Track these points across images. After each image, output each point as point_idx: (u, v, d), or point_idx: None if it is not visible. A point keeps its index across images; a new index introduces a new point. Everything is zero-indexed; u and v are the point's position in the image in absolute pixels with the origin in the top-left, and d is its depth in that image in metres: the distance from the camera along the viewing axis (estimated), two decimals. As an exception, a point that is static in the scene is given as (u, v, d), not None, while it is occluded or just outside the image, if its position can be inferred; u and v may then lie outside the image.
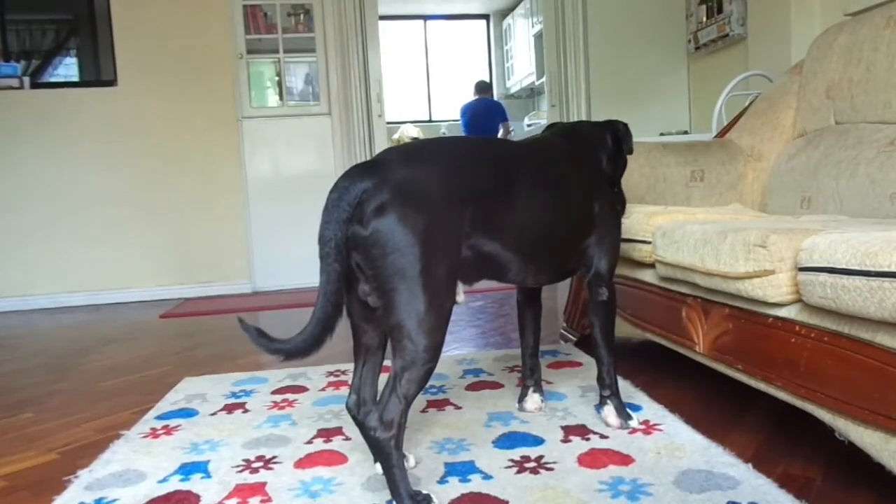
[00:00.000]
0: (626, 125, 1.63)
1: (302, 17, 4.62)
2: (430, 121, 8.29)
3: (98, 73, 4.43)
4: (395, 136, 7.25)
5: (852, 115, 2.01)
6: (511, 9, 7.97)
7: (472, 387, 1.88)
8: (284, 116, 4.60)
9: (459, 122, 7.13)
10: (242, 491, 1.27)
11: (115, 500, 1.27)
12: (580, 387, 1.81)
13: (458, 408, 1.69)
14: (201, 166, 4.48)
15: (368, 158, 1.86)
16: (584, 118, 4.70)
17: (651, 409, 1.60)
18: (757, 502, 1.11)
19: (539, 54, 6.48)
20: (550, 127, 1.69)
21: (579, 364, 2.05)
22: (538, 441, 1.44)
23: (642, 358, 2.12)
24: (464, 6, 8.18)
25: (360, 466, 1.36)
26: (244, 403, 1.85)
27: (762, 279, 1.29)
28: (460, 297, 1.21)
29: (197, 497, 1.26)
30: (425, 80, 8.41)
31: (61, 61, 4.51)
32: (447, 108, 8.21)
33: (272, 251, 4.54)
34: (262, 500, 1.23)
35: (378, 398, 1.17)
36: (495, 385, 1.89)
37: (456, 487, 1.24)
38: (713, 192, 2.34)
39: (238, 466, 1.39)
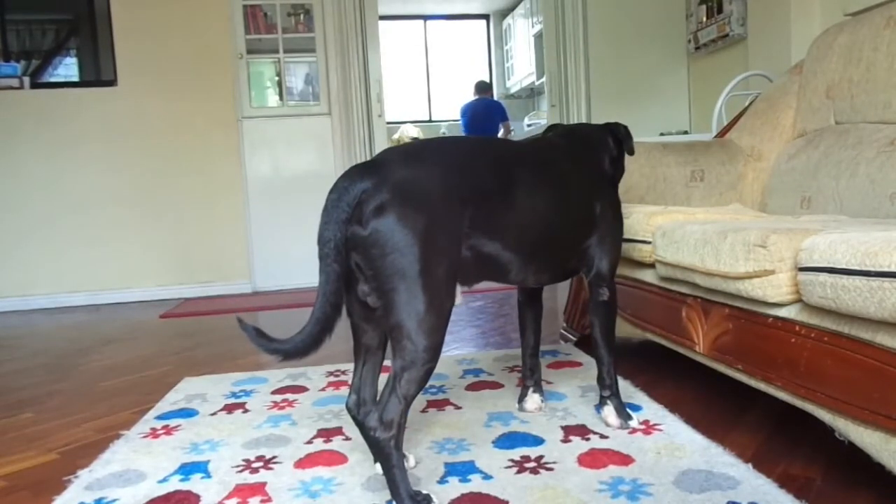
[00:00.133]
0: (626, 127, 1.64)
1: (302, 17, 4.62)
2: (430, 121, 8.29)
3: (98, 73, 4.43)
4: (395, 136, 7.24)
5: (852, 115, 2.01)
6: (511, 9, 7.96)
7: (472, 387, 1.88)
8: (284, 116, 4.60)
9: (459, 123, 7.13)
10: (242, 491, 1.27)
11: (115, 500, 1.27)
12: (580, 387, 1.81)
13: (458, 408, 1.69)
14: (201, 166, 4.48)
15: (368, 158, 1.86)
16: (584, 118, 4.70)
17: (651, 409, 1.60)
18: (757, 502, 1.11)
19: (539, 54, 6.48)
20: (551, 128, 1.69)
21: (579, 364, 2.05)
22: (538, 441, 1.44)
23: (642, 358, 2.12)
24: (464, 6, 8.18)
25: (360, 466, 1.36)
26: (244, 403, 1.85)
27: (762, 279, 1.29)
28: (458, 300, 1.21)
29: (197, 497, 1.26)
30: (425, 80, 8.41)
31: (61, 61, 4.51)
32: (447, 108, 8.21)
33: (272, 251, 4.54)
34: (262, 500, 1.23)
35: (378, 398, 1.17)
36: (495, 385, 1.89)
37: (456, 487, 1.24)
38: (713, 192, 2.34)
39: (238, 466, 1.39)
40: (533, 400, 1.64)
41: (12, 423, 1.85)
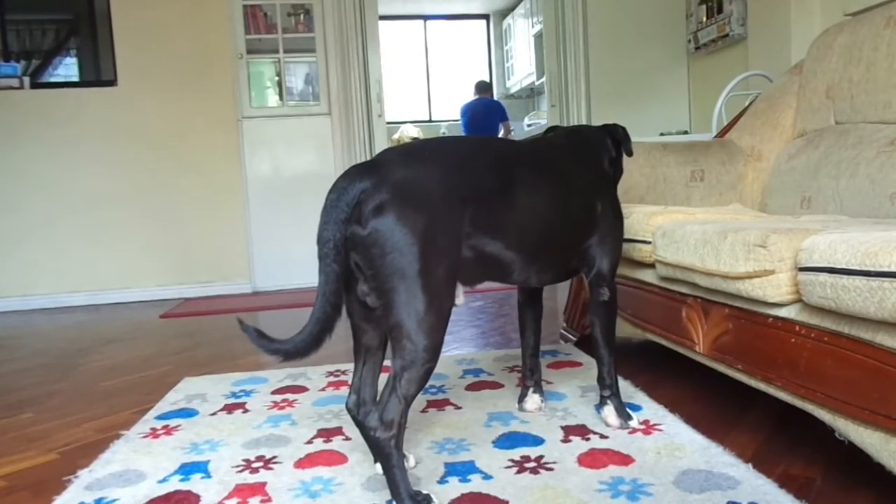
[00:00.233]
0: (624, 128, 1.65)
1: (302, 17, 4.62)
2: (430, 121, 8.29)
3: (98, 73, 4.43)
4: (395, 136, 7.24)
5: (852, 115, 2.01)
6: (511, 9, 7.97)
7: (472, 387, 1.88)
8: (284, 116, 4.60)
9: (459, 122, 7.13)
10: (242, 491, 1.27)
11: (115, 500, 1.27)
12: (580, 387, 1.81)
13: (458, 408, 1.69)
14: (201, 166, 4.48)
15: (368, 158, 1.86)
16: (584, 118, 4.70)
17: (651, 409, 1.60)
18: (757, 502, 1.11)
19: (539, 54, 6.48)
20: (550, 130, 1.69)
21: (579, 364, 2.05)
22: (538, 441, 1.44)
23: (642, 358, 2.12)
24: (464, 6, 8.18)
25: (360, 466, 1.36)
26: (244, 403, 1.85)
27: (762, 279, 1.29)
28: (460, 300, 1.21)
29: (197, 497, 1.26)
30: (425, 80, 8.41)
31: (61, 61, 4.51)
32: (447, 108, 8.21)
33: (272, 251, 4.54)
34: (262, 500, 1.23)
35: (378, 398, 1.17)
36: (495, 385, 1.89)
37: (456, 487, 1.24)
38: (713, 192, 2.34)
39: (238, 466, 1.39)
40: (533, 400, 1.64)
41: (12, 423, 1.85)
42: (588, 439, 1.43)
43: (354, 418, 1.25)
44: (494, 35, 8.43)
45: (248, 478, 1.33)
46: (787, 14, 3.36)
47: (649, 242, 1.77)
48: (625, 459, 1.32)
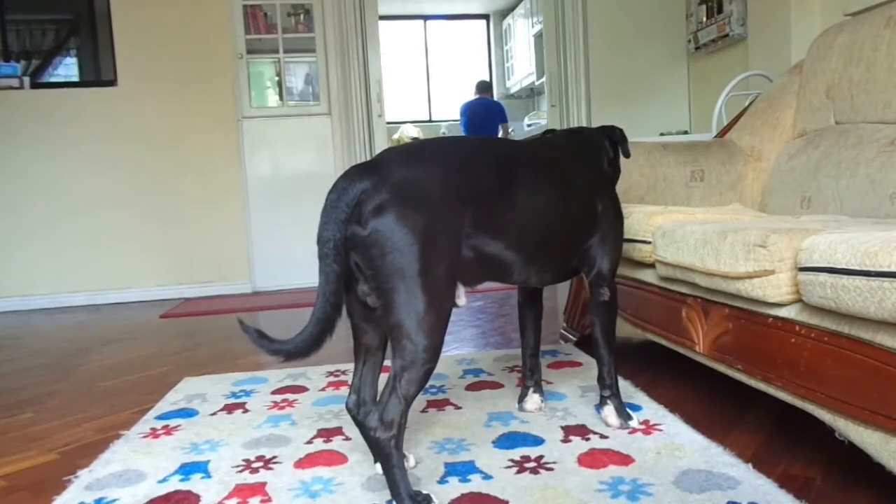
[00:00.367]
0: (621, 130, 1.65)
1: (302, 17, 4.62)
2: (430, 121, 8.29)
3: (98, 73, 4.43)
4: (395, 136, 7.24)
5: (852, 115, 2.01)
6: (511, 9, 7.97)
7: (472, 387, 1.88)
8: (284, 116, 4.60)
9: (459, 122, 7.13)
10: (242, 491, 1.27)
11: (115, 500, 1.27)
12: (580, 387, 1.81)
13: (458, 408, 1.69)
14: (201, 166, 4.48)
15: (368, 158, 1.86)
16: (584, 118, 4.70)
17: (651, 409, 1.60)
18: (757, 502, 1.11)
19: (539, 54, 6.48)
20: (547, 133, 1.69)
21: (579, 364, 2.05)
22: (538, 441, 1.44)
23: (642, 358, 2.12)
24: (464, 6, 8.18)
25: (360, 466, 1.36)
26: (244, 403, 1.85)
27: (762, 279, 1.29)
28: (461, 301, 1.21)
29: (197, 497, 1.26)
30: (425, 80, 8.41)
31: (61, 61, 4.51)
32: (447, 108, 8.21)
33: (272, 251, 4.54)
34: (262, 500, 1.23)
35: (378, 398, 1.17)
36: (495, 385, 1.89)
37: (456, 487, 1.24)
38: (713, 192, 2.34)
39: (238, 466, 1.39)
40: (533, 400, 1.64)
41: (12, 423, 1.85)
42: (588, 439, 1.43)
43: (354, 418, 1.25)
44: (494, 35, 8.43)
45: (248, 478, 1.33)
46: (787, 14, 3.36)
47: (649, 242, 1.77)
48: (625, 459, 1.32)
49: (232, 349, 2.66)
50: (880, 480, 1.10)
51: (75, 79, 4.48)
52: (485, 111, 6.89)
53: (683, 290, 1.66)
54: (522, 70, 7.72)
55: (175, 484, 1.33)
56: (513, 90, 8.19)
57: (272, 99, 4.84)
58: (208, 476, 1.35)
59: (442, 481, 1.27)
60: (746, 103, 3.04)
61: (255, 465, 1.40)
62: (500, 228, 1.25)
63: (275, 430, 1.61)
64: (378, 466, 1.24)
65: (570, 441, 1.43)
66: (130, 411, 1.88)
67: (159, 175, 4.43)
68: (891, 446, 1.02)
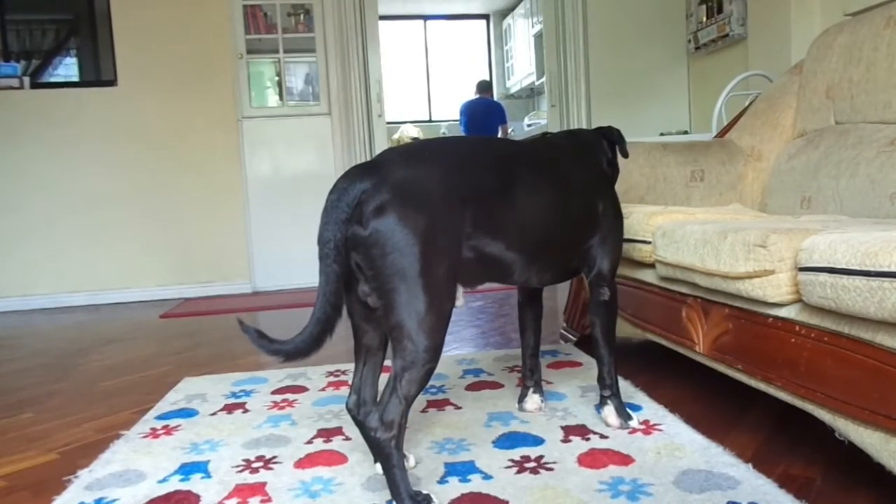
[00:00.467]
0: (618, 130, 1.66)
1: (302, 17, 4.62)
2: (430, 121, 8.29)
3: (98, 73, 4.44)
4: (395, 136, 7.25)
5: (852, 115, 2.01)
6: (511, 9, 7.97)
7: (472, 387, 1.88)
8: (284, 116, 4.60)
9: (459, 122, 7.13)
10: (242, 491, 1.27)
11: (115, 500, 1.27)
12: (580, 387, 1.81)
13: (458, 408, 1.69)
14: (201, 166, 4.48)
15: (368, 159, 1.86)
16: (584, 118, 4.71)
17: (651, 409, 1.60)
18: (757, 502, 1.11)
19: (539, 54, 6.48)
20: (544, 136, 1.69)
21: (579, 364, 2.05)
22: (538, 441, 1.44)
23: (642, 358, 2.12)
24: (464, 6, 8.18)
25: (360, 466, 1.36)
26: (244, 403, 1.85)
27: (762, 279, 1.29)
28: (459, 301, 1.21)
29: (197, 497, 1.26)
30: (425, 80, 8.41)
31: (61, 61, 4.51)
32: (447, 108, 8.21)
33: (272, 251, 4.54)
34: (262, 500, 1.23)
35: (378, 399, 1.17)
36: (495, 385, 1.89)
37: (456, 487, 1.24)
38: (713, 192, 2.34)
39: (238, 466, 1.39)
40: (533, 400, 1.64)
41: (12, 423, 1.85)
42: (588, 439, 1.43)
43: (355, 418, 1.25)
44: (494, 35, 8.43)
45: (248, 478, 1.33)
46: (787, 14, 3.36)
47: (649, 242, 1.77)
48: (625, 459, 1.32)
49: (232, 349, 2.66)
50: (880, 480, 1.10)
51: (75, 79, 4.48)
52: (485, 111, 6.89)
53: (683, 290, 1.66)
54: (522, 70, 7.72)
55: (175, 484, 1.33)
56: (513, 90, 8.19)
57: (272, 99, 4.84)
58: (208, 476, 1.35)
59: (442, 481, 1.27)
60: (746, 103, 3.04)
61: (255, 465, 1.40)
62: (500, 229, 1.25)
63: (275, 430, 1.61)
64: (378, 466, 1.24)
65: (570, 441, 1.43)
66: (130, 411, 1.88)
67: (159, 175, 4.43)
68: (891, 446, 1.02)
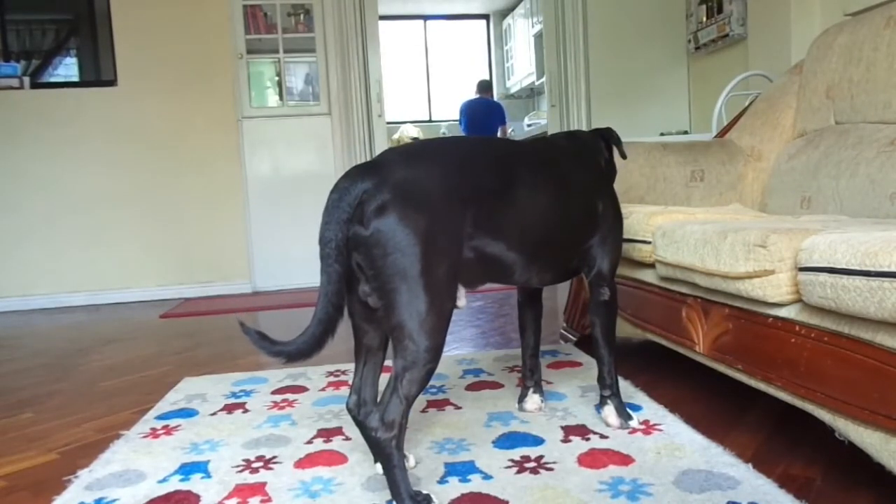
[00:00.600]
0: (615, 131, 1.66)
1: (302, 17, 4.62)
2: (430, 121, 8.29)
3: (98, 73, 4.44)
4: (395, 136, 7.25)
5: (852, 115, 2.01)
6: (511, 9, 7.97)
7: (472, 387, 1.88)
8: (284, 116, 4.60)
9: (459, 121, 7.13)
10: (242, 491, 1.27)
11: (115, 500, 1.27)
12: (580, 387, 1.81)
13: (458, 408, 1.69)
14: (201, 166, 4.48)
15: (369, 159, 1.86)
16: (584, 118, 4.71)
17: (651, 409, 1.60)
18: (757, 502, 1.11)
19: (539, 54, 6.48)
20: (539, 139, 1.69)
21: (579, 364, 2.05)
22: (538, 441, 1.44)
23: (642, 358, 2.12)
24: (464, 6, 8.18)
25: (360, 466, 1.36)
26: (244, 403, 1.85)
27: (762, 279, 1.29)
28: (461, 302, 1.21)
29: (197, 497, 1.26)
30: (425, 80, 8.41)
31: (61, 61, 4.51)
32: (447, 108, 8.21)
33: (272, 251, 4.54)
34: (262, 500, 1.23)
35: (379, 399, 1.17)
36: (495, 385, 1.89)
37: (456, 487, 1.24)
38: (713, 192, 2.34)
39: (238, 466, 1.39)
40: (533, 400, 1.64)
41: (12, 423, 1.85)
42: (588, 439, 1.43)
43: (355, 418, 1.25)
44: (494, 35, 8.43)
45: (248, 478, 1.33)
46: (787, 14, 3.36)
47: (649, 242, 1.77)
48: (625, 459, 1.32)
49: (232, 349, 2.66)
50: (880, 480, 1.10)
51: (75, 79, 4.48)
52: (485, 111, 6.89)
53: (683, 290, 1.66)
54: (522, 70, 7.72)
55: (175, 484, 1.33)
56: (513, 90, 8.19)
57: (272, 99, 4.84)
58: (208, 476, 1.35)
59: (442, 481, 1.27)
60: (746, 103, 3.05)
61: (255, 465, 1.40)
62: (501, 229, 1.25)
63: (275, 430, 1.61)
64: (378, 466, 1.24)
65: (570, 441, 1.43)
66: (130, 411, 1.88)
67: (159, 175, 4.43)
68: (891, 446, 1.02)
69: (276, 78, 4.79)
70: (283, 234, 4.51)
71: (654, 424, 1.50)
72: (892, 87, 1.86)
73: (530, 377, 1.66)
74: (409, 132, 7.49)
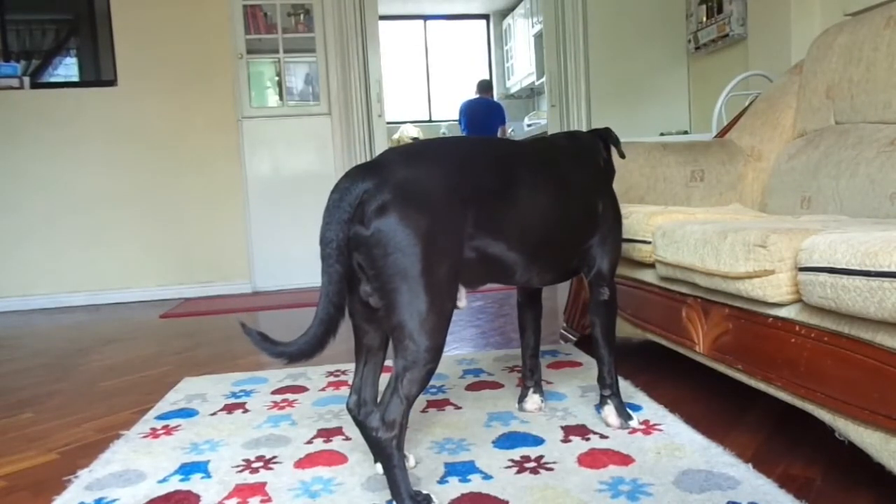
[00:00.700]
0: (614, 132, 1.66)
1: (302, 17, 4.62)
2: (430, 121, 8.29)
3: (98, 73, 4.44)
4: (396, 136, 7.25)
5: (852, 115, 2.01)
6: (511, 9, 7.97)
7: (472, 387, 1.88)
8: (284, 116, 4.60)
9: (459, 121, 7.12)
10: (242, 491, 1.27)
11: (115, 500, 1.27)
12: (580, 387, 1.81)
13: (458, 408, 1.70)
14: (201, 166, 4.48)
15: (369, 159, 1.86)
16: (584, 118, 4.71)
17: (651, 409, 1.60)
18: (757, 502, 1.11)
19: (539, 54, 6.48)
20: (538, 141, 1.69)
21: (579, 364, 2.05)
22: (538, 441, 1.44)
23: (642, 358, 2.12)
24: (464, 6, 8.18)
25: (360, 466, 1.36)
26: (244, 403, 1.85)
27: (762, 279, 1.29)
28: (462, 302, 1.21)
29: (197, 497, 1.26)
30: (425, 80, 8.41)
31: (61, 61, 4.51)
32: (447, 108, 8.21)
33: (272, 251, 4.54)
34: (262, 500, 1.23)
35: (379, 399, 1.17)
36: (495, 385, 1.89)
37: (456, 487, 1.24)
38: (713, 192, 2.34)
39: (238, 466, 1.39)
40: (533, 400, 1.64)
41: (12, 423, 1.85)
42: (588, 439, 1.43)
43: (355, 418, 1.25)
44: (494, 35, 8.43)
45: (248, 478, 1.33)
46: (787, 14, 3.36)
47: (649, 242, 1.77)
48: (625, 459, 1.32)
49: (232, 349, 2.66)
50: (880, 480, 1.10)
51: (75, 79, 4.48)
52: (485, 111, 6.89)
53: (683, 290, 1.66)
54: (522, 70, 7.72)
55: (175, 484, 1.33)
56: (513, 90, 8.19)
57: (272, 99, 4.84)
58: (208, 476, 1.35)
59: (442, 481, 1.27)
60: (746, 103, 3.05)
61: (255, 465, 1.40)
62: (502, 229, 1.25)
63: (275, 430, 1.61)
64: (378, 466, 1.24)
65: (570, 441, 1.43)
66: (130, 411, 1.88)
67: (159, 175, 4.43)
68: (891, 446, 1.02)
69: (276, 78, 4.79)
70: (283, 234, 4.51)
71: (654, 424, 1.50)
72: (892, 87, 1.86)
73: (530, 377, 1.66)
74: (409, 132, 7.49)
